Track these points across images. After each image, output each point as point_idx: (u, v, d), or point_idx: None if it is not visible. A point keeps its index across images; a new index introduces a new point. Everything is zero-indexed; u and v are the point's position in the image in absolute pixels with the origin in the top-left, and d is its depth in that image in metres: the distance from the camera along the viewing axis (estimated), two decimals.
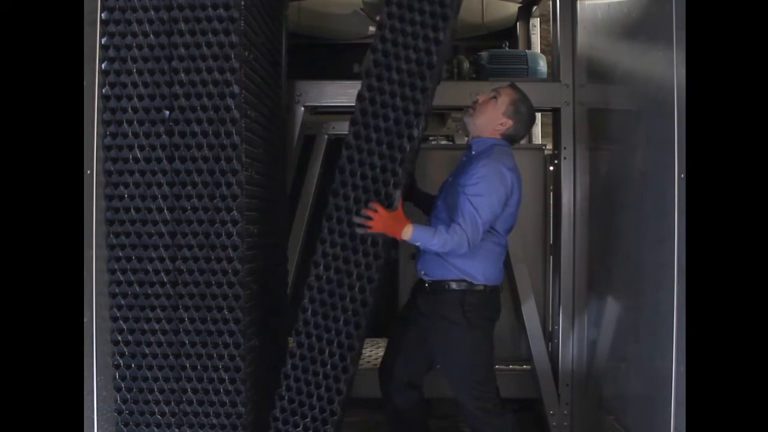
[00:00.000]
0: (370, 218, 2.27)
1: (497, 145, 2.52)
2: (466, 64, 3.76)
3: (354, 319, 2.34)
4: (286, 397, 2.36)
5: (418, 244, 2.40)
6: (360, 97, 2.32)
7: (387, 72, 2.31)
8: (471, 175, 2.41)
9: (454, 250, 2.38)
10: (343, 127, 3.69)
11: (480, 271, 2.48)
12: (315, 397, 2.35)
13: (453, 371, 2.54)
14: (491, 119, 2.52)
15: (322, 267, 2.34)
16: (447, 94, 3.39)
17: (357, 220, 2.29)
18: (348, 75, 3.51)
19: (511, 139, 2.57)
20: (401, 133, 2.31)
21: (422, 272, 2.57)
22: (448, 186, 2.58)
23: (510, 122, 2.52)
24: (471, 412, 2.53)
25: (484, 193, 2.38)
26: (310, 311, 2.35)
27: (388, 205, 2.30)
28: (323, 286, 2.34)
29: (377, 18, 2.37)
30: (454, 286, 2.48)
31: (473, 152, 2.55)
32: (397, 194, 2.33)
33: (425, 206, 2.75)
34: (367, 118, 2.32)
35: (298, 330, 2.35)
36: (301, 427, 2.35)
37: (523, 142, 4.96)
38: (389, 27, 2.30)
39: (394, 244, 2.48)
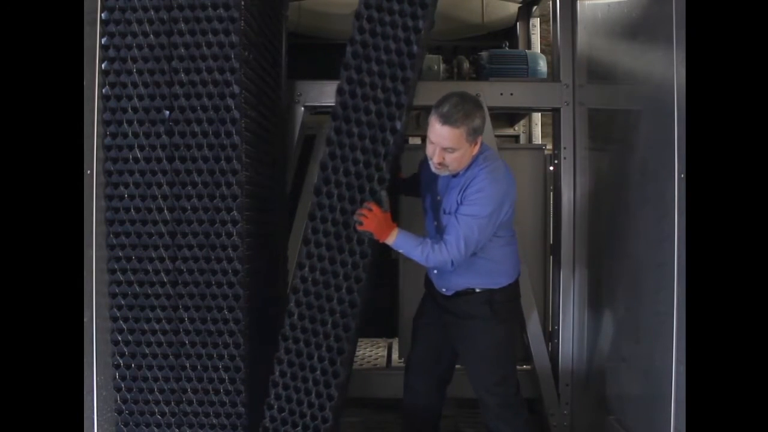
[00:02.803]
0: (364, 216, 2.25)
1: (480, 155, 2.35)
2: (466, 64, 3.77)
3: (343, 321, 2.29)
4: (276, 406, 2.30)
5: (401, 251, 2.36)
6: (340, 90, 2.26)
7: (366, 63, 2.26)
8: (471, 195, 2.29)
9: (437, 266, 2.37)
10: None
11: (503, 274, 2.47)
12: (305, 405, 2.30)
13: (477, 365, 2.50)
14: (467, 157, 2.31)
15: (307, 268, 2.28)
16: None
17: (355, 217, 2.26)
18: None
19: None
20: (384, 126, 2.26)
21: (443, 289, 2.51)
22: (434, 206, 2.47)
23: (479, 137, 2.31)
24: (492, 409, 2.48)
25: (481, 215, 2.28)
26: (296, 315, 2.29)
27: (375, 202, 2.27)
28: (309, 288, 2.29)
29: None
30: (478, 289, 2.45)
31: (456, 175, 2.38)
32: (383, 193, 2.28)
33: (411, 189, 2.71)
34: (347, 112, 2.26)
35: (285, 335, 2.29)
36: None
37: (522, 141, 5.02)
38: (366, 17, 2.25)
39: (382, 244, 2.43)
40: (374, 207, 2.27)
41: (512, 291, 2.52)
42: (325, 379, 2.29)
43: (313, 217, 2.29)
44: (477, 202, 2.28)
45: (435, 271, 2.51)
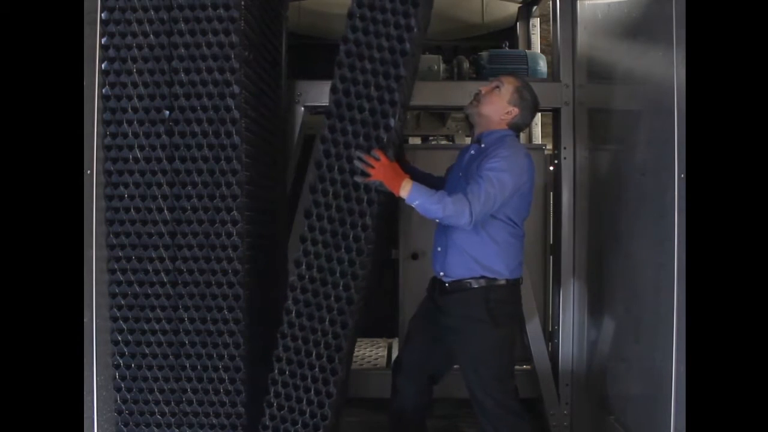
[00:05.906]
0: (370, 165, 2.21)
1: (508, 136, 2.48)
2: (466, 64, 3.77)
3: (340, 319, 2.27)
4: (275, 404, 2.29)
5: (415, 203, 2.29)
6: (333, 89, 2.27)
7: (360, 62, 2.25)
8: (492, 158, 2.35)
9: (453, 218, 2.29)
10: None
11: (503, 264, 2.41)
12: (304, 402, 2.28)
13: (474, 370, 2.44)
14: (497, 109, 2.48)
15: (304, 266, 2.27)
16: (447, 94, 3.41)
17: (358, 164, 2.22)
18: None
19: (517, 128, 2.53)
20: (377, 124, 2.25)
21: (441, 273, 2.48)
22: (456, 181, 2.50)
23: (516, 110, 2.47)
24: (489, 410, 2.41)
25: (501, 169, 2.31)
26: (294, 313, 2.28)
27: (381, 149, 2.23)
28: (306, 285, 2.28)
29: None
30: (475, 284, 2.41)
31: (483, 145, 2.48)
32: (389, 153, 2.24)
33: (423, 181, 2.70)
34: (341, 110, 2.26)
35: (283, 333, 2.28)
36: None
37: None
38: (359, 16, 2.25)
39: (380, 240, 2.41)
40: (380, 154, 2.22)
41: (510, 292, 2.46)
42: (323, 377, 2.28)
43: (309, 214, 2.28)
44: (499, 159, 2.34)
45: (439, 249, 2.49)
